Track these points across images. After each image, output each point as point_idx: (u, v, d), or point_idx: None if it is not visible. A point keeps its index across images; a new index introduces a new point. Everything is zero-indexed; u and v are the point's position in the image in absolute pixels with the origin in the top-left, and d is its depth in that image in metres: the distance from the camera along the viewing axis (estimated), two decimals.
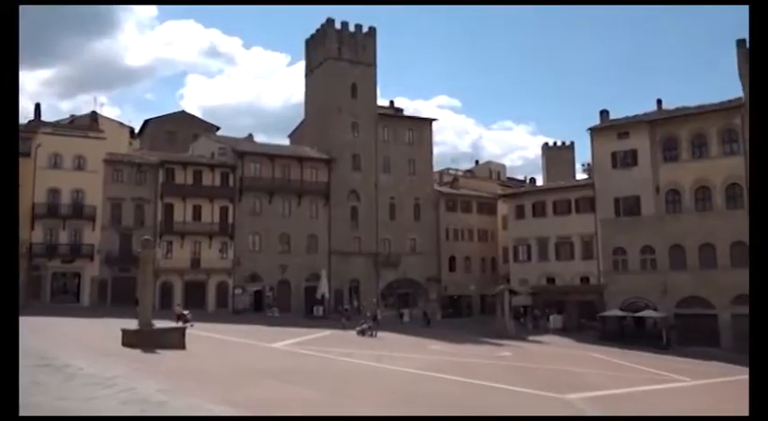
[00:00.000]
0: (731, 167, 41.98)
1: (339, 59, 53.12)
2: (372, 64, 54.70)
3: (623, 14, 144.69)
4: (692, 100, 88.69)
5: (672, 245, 43.71)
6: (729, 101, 43.48)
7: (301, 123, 60.03)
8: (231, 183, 47.49)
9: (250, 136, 57.90)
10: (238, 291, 46.56)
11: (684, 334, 41.36)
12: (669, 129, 45.18)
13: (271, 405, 10.66)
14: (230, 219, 46.98)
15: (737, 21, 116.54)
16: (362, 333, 33.40)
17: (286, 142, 62.93)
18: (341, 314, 41.60)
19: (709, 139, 43.42)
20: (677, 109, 46.86)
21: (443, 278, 55.85)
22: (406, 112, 60.72)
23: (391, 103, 61.36)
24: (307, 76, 57.08)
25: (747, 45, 42.80)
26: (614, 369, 26.93)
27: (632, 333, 42.52)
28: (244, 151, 49.12)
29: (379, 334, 33.68)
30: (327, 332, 33.87)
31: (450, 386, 16.61)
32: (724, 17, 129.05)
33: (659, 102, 48.70)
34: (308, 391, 12.81)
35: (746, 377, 28.41)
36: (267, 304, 46.83)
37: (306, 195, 49.93)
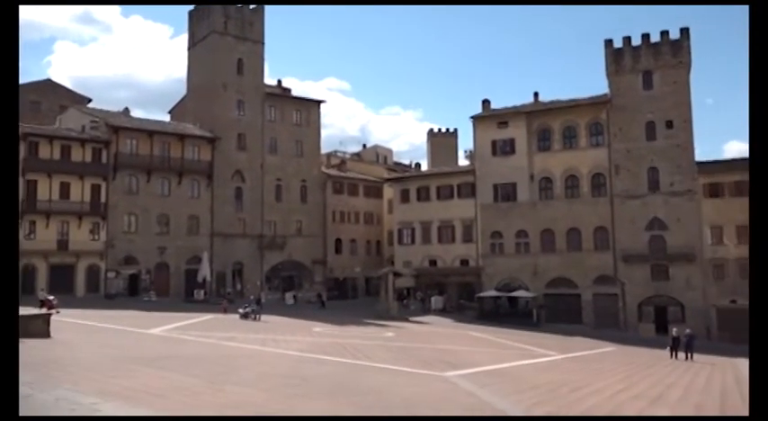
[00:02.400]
0: (597, 158, 45.63)
1: (225, 34, 51.17)
2: (260, 41, 53.19)
3: (509, 11, 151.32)
4: (565, 94, 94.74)
5: (543, 229, 46.85)
6: (597, 96, 47.03)
7: (183, 99, 57.30)
8: (104, 159, 44.46)
9: (126, 110, 54.22)
10: (111, 274, 43.92)
11: (552, 312, 44.77)
12: (544, 121, 48.10)
13: (147, 393, 10.16)
14: (103, 198, 44.06)
15: (607, 22, 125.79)
16: (246, 316, 32.86)
17: (167, 118, 59.79)
18: (223, 297, 40.58)
19: (578, 131, 46.77)
20: (551, 102, 49.95)
21: (329, 260, 56.06)
22: (294, 93, 59.76)
23: (279, 82, 60.15)
24: (190, 49, 54.42)
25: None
26: (490, 346, 28.49)
27: (507, 312, 45.26)
28: (119, 126, 46.07)
29: (264, 317, 33.35)
30: (209, 316, 32.98)
31: (335, 367, 16.75)
32: (597, 18, 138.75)
33: (536, 94, 51.61)
34: (187, 378, 12.35)
35: (605, 350, 31.28)
36: (143, 288, 44.60)
37: (187, 174, 47.88)
